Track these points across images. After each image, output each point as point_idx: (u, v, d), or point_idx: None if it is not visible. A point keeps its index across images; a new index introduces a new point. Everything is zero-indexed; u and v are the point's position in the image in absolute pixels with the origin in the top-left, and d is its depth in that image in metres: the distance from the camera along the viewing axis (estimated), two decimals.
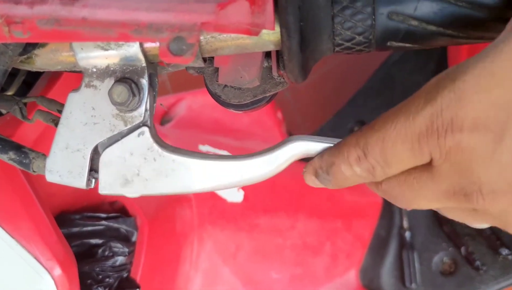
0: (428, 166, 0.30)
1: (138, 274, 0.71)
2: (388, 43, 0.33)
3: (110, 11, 0.29)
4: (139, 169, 0.36)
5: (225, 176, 0.37)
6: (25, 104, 0.42)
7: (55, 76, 0.51)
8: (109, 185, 0.37)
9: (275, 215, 0.99)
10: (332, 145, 0.35)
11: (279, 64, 0.38)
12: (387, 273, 1.21)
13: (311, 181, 0.37)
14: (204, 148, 0.97)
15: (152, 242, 0.74)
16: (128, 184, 0.37)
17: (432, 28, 0.31)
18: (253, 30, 0.30)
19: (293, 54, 0.32)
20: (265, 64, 0.39)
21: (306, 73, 0.34)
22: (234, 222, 0.91)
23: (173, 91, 1.69)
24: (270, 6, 0.30)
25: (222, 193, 0.89)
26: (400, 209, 1.25)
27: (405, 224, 1.23)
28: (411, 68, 1.31)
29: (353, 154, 0.32)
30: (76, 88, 0.37)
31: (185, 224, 0.81)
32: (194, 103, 1.18)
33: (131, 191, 0.37)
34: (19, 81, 0.50)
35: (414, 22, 0.31)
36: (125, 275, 0.70)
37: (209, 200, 0.87)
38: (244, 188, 0.93)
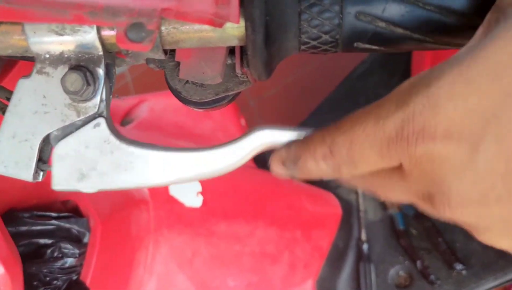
0: (398, 168, 0.29)
1: (88, 277, 0.68)
2: (355, 44, 0.32)
3: None
4: (96, 163, 0.34)
5: (187, 168, 0.36)
6: None
7: (8, 65, 0.49)
8: (63, 180, 0.35)
9: (234, 221, 0.98)
10: (298, 135, 0.34)
11: (243, 61, 0.37)
12: (343, 284, 1.22)
13: (279, 169, 0.35)
14: None
15: (105, 244, 0.72)
16: (84, 178, 0.35)
17: (399, 30, 0.31)
18: (216, 22, 0.29)
19: (258, 50, 0.31)
20: (229, 61, 0.38)
21: (270, 71, 0.34)
22: (192, 227, 0.89)
23: (136, 94, 1.68)
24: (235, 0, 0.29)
25: (181, 197, 0.87)
26: (359, 221, 1.26)
27: (363, 236, 1.24)
28: (375, 82, 1.33)
29: (319, 151, 0.31)
30: (27, 75, 0.35)
31: (140, 227, 0.79)
32: (157, 105, 1.16)
33: (87, 186, 0.35)
34: None
35: (382, 24, 0.31)
36: (74, 277, 0.67)
37: (167, 204, 0.85)
38: (203, 193, 0.91)
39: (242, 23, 0.31)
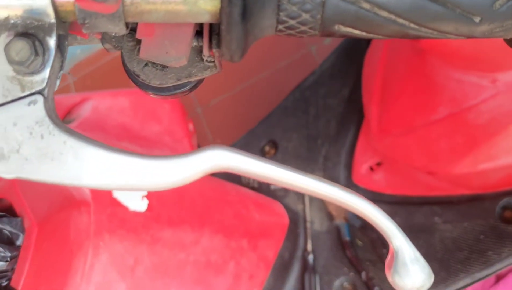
0: None
1: (20, 283, 0.62)
2: (336, 27, 0.30)
3: None
4: (20, 145, 0.30)
5: (124, 175, 0.32)
6: None
7: None
8: None
9: (179, 228, 0.93)
10: (258, 161, 0.31)
11: (211, 42, 0.33)
12: None
13: None
14: None
15: (41, 248, 0.66)
16: (3, 160, 0.30)
17: (384, 14, 0.29)
18: None
19: (233, 25, 0.28)
20: (194, 43, 0.35)
21: (244, 50, 0.31)
22: (135, 233, 0.84)
23: None
24: None
25: (125, 200, 0.82)
26: (305, 232, 1.25)
27: (309, 247, 1.23)
28: (325, 92, 1.33)
29: None
30: None
31: (80, 231, 0.73)
32: (101, 104, 1.11)
33: (4, 170, 0.30)
34: None
35: (366, 5, 0.29)
36: (4, 283, 0.61)
37: (110, 207, 0.79)
38: (149, 196, 0.87)
39: None
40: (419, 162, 1.10)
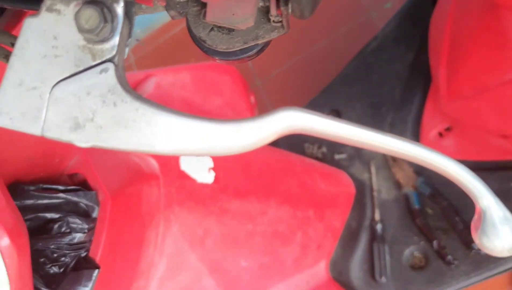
0: None
1: (98, 254, 0.64)
2: None
3: None
4: (94, 114, 0.30)
5: (198, 140, 0.31)
6: None
7: (16, 15, 0.44)
8: (55, 126, 0.30)
9: (246, 199, 0.94)
10: (331, 121, 0.30)
11: (279, 1, 0.32)
12: (356, 266, 1.19)
13: None
14: None
15: (115, 220, 0.68)
16: (78, 129, 0.30)
17: None
18: None
19: None
20: (261, 3, 0.34)
21: (314, 5, 0.29)
22: (204, 204, 0.86)
23: None
24: None
25: (192, 173, 0.84)
26: (372, 201, 1.23)
27: (377, 216, 1.21)
28: (388, 57, 1.29)
29: None
30: (34, 14, 0.30)
31: (151, 204, 0.75)
32: (163, 81, 1.12)
33: (80, 139, 0.30)
34: None
35: None
36: (83, 254, 0.63)
37: (178, 180, 0.81)
38: (215, 168, 0.88)
39: None
40: (493, 124, 1.05)
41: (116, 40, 0.30)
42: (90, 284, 0.60)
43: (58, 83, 0.30)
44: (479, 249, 1.06)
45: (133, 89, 0.93)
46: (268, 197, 0.99)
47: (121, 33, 0.30)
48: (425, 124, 1.24)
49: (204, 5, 0.34)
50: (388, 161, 1.27)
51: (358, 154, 1.31)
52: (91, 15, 0.28)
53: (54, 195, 0.62)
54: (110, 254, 0.66)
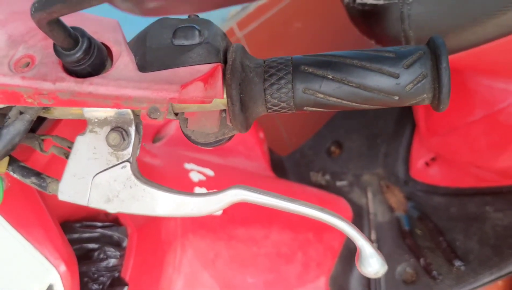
0: None
1: (127, 275, 0.83)
2: (305, 108, 0.46)
3: (108, 88, 0.42)
4: (119, 192, 0.49)
5: (180, 208, 0.49)
6: (42, 140, 0.56)
7: (56, 121, 0.65)
8: (95, 200, 0.50)
9: (251, 226, 1.11)
10: (261, 195, 0.48)
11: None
12: (355, 281, 1.32)
13: None
14: (189, 166, 1.09)
15: (140, 248, 0.87)
16: (109, 202, 0.49)
17: (333, 99, 0.45)
18: (206, 100, 0.44)
19: (236, 116, 0.46)
20: (223, 114, 0.53)
21: (248, 126, 0.48)
22: (214, 232, 1.03)
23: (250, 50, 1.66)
24: (220, 83, 0.44)
25: None
26: (369, 223, 1.37)
27: (373, 236, 1.35)
28: None
29: None
30: (82, 132, 0.50)
31: (169, 233, 0.93)
32: None
33: (111, 208, 0.50)
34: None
35: (320, 95, 0.45)
36: (116, 275, 0.82)
37: None
38: None
39: (225, 96, 0.46)
40: (465, 157, 1.19)
41: (130, 148, 0.49)
42: None
43: (96, 174, 0.49)
44: (459, 266, 1.20)
45: (153, 139, 1.12)
46: (271, 223, 1.15)
47: (134, 144, 0.49)
48: (413, 154, 1.38)
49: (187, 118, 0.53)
50: (382, 188, 1.41)
51: (357, 181, 1.46)
52: (115, 136, 0.47)
53: (94, 230, 0.81)
54: (137, 274, 0.85)
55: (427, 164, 1.36)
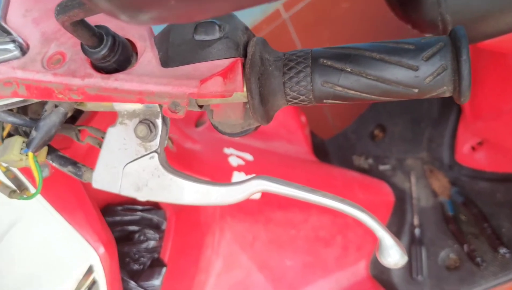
0: None
1: (166, 256, 0.87)
2: (324, 100, 0.47)
3: (132, 84, 0.44)
4: (147, 181, 0.52)
5: (205, 197, 0.51)
6: (79, 130, 0.59)
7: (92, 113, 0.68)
8: (126, 189, 0.52)
9: (288, 210, 1.12)
10: (282, 186, 0.49)
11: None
12: None
13: None
14: (228, 151, 1.11)
15: (179, 231, 0.90)
16: (139, 190, 0.52)
17: (351, 92, 0.45)
18: (226, 94, 0.45)
19: (256, 109, 0.47)
20: (248, 106, 0.54)
21: (268, 119, 0.49)
22: (252, 215, 1.05)
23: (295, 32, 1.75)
24: (240, 77, 0.45)
25: None
26: (412, 208, 1.35)
27: (416, 221, 1.33)
28: None
29: None
30: (113, 124, 0.52)
31: (208, 216, 0.96)
32: None
33: (141, 196, 0.52)
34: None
35: (339, 88, 0.45)
36: (156, 256, 0.86)
37: None
38: None
39: (245, 90, 0.47)
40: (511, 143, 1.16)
41: (158, 140, 0.51)
42: (160, 277, 0.83)
43: (127, 164, 0.52)
44: (504, 253, 1.17)
45: (196, 124, 1.14)
46: (309, 208, 1.16)
47: (161, 136, 0.51)
48: (459, 139, 1.35)
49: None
50: (426, 172, 1.39)
51: (400, 165, 1.45)
52: (143, 129, 0.50)
53: (134, 213, 0.85)
54: (175, 256, 0.89)
55: (473, 148, 1.33)
